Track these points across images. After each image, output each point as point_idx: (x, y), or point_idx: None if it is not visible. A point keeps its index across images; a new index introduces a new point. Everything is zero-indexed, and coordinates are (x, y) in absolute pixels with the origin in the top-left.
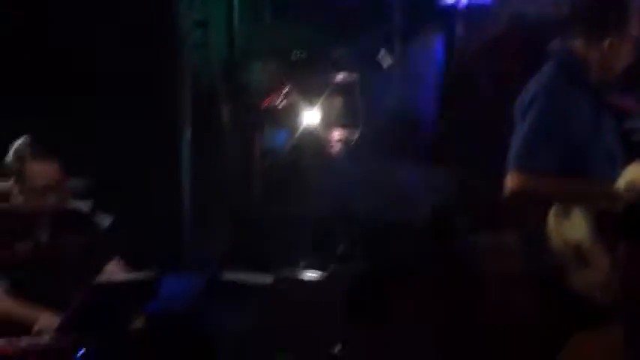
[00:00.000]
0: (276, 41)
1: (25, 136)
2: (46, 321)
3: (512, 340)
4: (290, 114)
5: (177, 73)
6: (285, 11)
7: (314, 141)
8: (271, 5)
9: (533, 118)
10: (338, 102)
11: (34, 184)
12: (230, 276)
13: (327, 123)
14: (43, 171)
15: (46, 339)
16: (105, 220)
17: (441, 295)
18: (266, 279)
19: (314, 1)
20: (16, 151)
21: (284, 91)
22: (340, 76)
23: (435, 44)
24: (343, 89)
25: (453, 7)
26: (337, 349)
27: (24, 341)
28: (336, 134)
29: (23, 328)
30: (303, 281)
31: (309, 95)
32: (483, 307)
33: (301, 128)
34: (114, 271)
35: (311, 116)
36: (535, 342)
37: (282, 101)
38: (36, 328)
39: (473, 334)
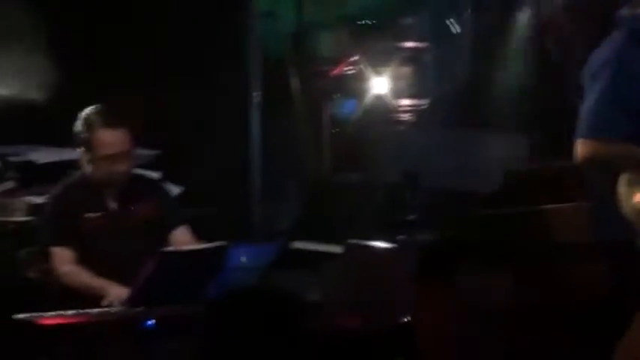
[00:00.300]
0: (345, 9)
1: (93, 105)
2: (116, 293)
3: (581, 309)
4: (359, 82)
5: (246, 42)
6: None
7: (383, 109)
8: None
9: (604, 84)
10: (407, 70)
11: (103, 152)
12: (300, 245)
13: (396, 91)
14: (112, 139)
15: (115, 310)
16: (174, 190)
17: (510, 265)
18: (336, 248)
19: None
20: (85, 120)
21: (353, 60)
22: (410, 45)
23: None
24: (412, 58)
25: None
26: (407, 318)
27: (94, 312)
28: (405, 103)
29: (92, 299)
30: (372, 250)
31: (378, 63)
32: (553, 277)
33: (370, 97)
34: (183, 241)
35: (380, 85)
36: (605, 311)
37: (351, 69)
38: (105, 301)
39: (542, 305)
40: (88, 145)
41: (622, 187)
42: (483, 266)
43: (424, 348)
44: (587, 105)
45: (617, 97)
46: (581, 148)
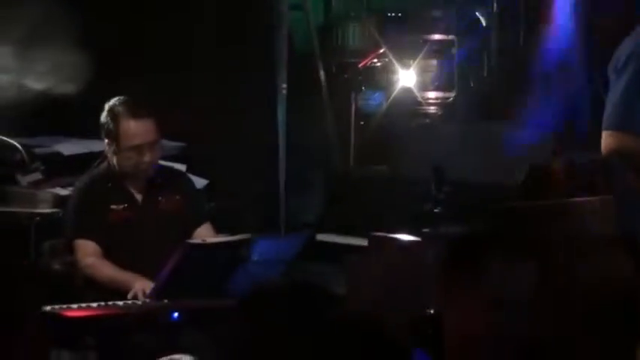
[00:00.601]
0: (372, 2)
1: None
2: (140, 286)
3: (606, 305)
4: (386, 75)
5: (274, 35)
6: None
7: (409, 102)
8: None
9: (629, 78)
10: (434, 63)
11: (129, 143)
12: (325, 238)
13: (423, 84)
14: (138, 130)
15: (141, 303)
16: (199, 182)
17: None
18: (361, 241)
19: None
20: (111, 110)
21: (380, 52)
22: (437, 37)
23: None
24: (440, 50)
25: None
26: (432, 311)
27: (118, 305)
28: (432, 95)
29: (118, 291)
30: (398, 243)
31: (405, 56)
32: (577, 271)
33: (397, 89)
34: (206, 235)
35: (407, 77)
36: (630, 307)
37: (378, 62)
38: (131, 294)
39: (568, 300)
40: (114, 136)
41: None
42: (509, 259)
43: (449, 341)
44: (613, 98)
45: None
46: (606, 140)
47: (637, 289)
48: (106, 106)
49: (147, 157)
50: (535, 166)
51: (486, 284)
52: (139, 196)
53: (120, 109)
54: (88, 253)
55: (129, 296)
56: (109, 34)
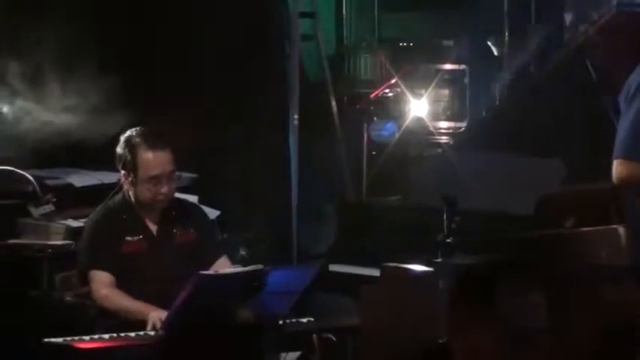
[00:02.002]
0: (384, 32)
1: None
2: (157, 315)
3: (619, 332)
4: (397, 105)
5: (286, 65)
6: (393, 1)
7: (421, 132)
8: None
9: (639, 107)
10: (446, 93)
11: (147, 174)
12: (338, 268)
13: (435, 114)
14: (156, 161)
15: (155, 333)
16: (212, 213)
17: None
18: (373, 271)
19: None
20: (128, 141)
21: (392, 82)
22: (448, 67)
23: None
24: (451, 80)
25: None
26: (444, 340)
27: (131, 337)
28: (444, 125)
29: (133, 322)
30: (410, 273)
31: (417, 86)
32: (589, 300)
33: (409, 119)
34: (223, 268)
35: (418, 107)
36: None
37: (390, 92)
38: (150, 325)
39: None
40: (132, 167)
41: None
42: (521, 289)
43: None
44: (624, 127)
45: None
46: (617, 168)
47: None
48: (123, 137)
49: (164, 189)
50: (547, 195)
51: (498, 314)
52: (153, 228)
53: (137, 140)
54: (103, 283)
55: (148, 328)
56: (121, 67)
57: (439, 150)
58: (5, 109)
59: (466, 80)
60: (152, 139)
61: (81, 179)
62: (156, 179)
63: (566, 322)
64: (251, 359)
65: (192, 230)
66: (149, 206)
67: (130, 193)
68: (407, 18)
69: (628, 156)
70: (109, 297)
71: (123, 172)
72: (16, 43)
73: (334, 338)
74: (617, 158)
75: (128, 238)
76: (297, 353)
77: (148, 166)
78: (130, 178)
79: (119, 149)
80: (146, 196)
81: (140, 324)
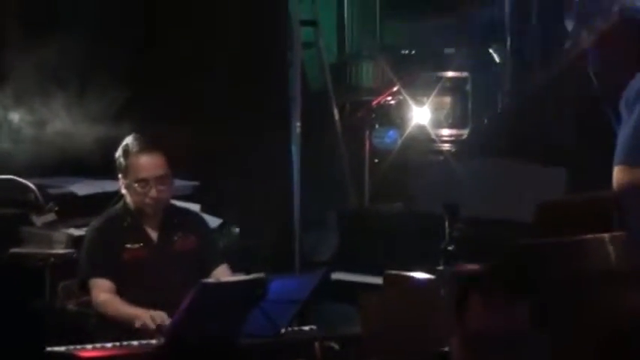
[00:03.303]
0: (385, 40)
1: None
2: (147, 317)
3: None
4: (400, 112)
5: (288, 73)
6: (395, 10)
7: (423, 139)
8: (381, 4)
9: None
10: (448, 100)
11: (138, 176)
12: (340, 276)
13: (437, 121)
14: (147, 163)
15: (157, 342)
16: (212, 221)
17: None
18: (376, 279)
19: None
20: (123, 147)
21: (394, 90)
22: (450, 75)
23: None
24: (453, 88)
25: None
26: (446, 348)
27: (132, 345)
28: (446, 133)
29: (131, 328)
30: (412, 281)
31: (419, 94)
32: (590, 308)
33: (411, 127)
34: (224, 276)
35: (421, 115)
36: None
37: (392, 100)
38: (138, 323)
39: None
40: (126, 170)
41: None
42: (523, 297)
43: None
44: (625, 133)
45: None
46: (618, 174)
47: None
48: (121, 144)
49: (153, 192)
50: (548, 202)
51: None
52: (154, 236)
53: (131, 144)
54: (103, 290)
55: (136, 325)
56: (125, 78)
57: (441, 157)
58: (7, 117)
59: (468, 88)
60: (142, 143)
61: (83, 188)
62: (144, 182)
63: (569, 330)
64: None
65: (192, 238)
66: (147, 213)
67: (127, 198)
68: (409, 26)
69: (629, 162)
70: (108, 303)
71: (119, 176)
72: (21, 53)
73: (337, 347)
74: (618, 164)
75: (128, 246)
76: None
77: (136, 169)
78: (125, 182)
79: (116, 155)
80: (135, 199)
81: (139, 331)
